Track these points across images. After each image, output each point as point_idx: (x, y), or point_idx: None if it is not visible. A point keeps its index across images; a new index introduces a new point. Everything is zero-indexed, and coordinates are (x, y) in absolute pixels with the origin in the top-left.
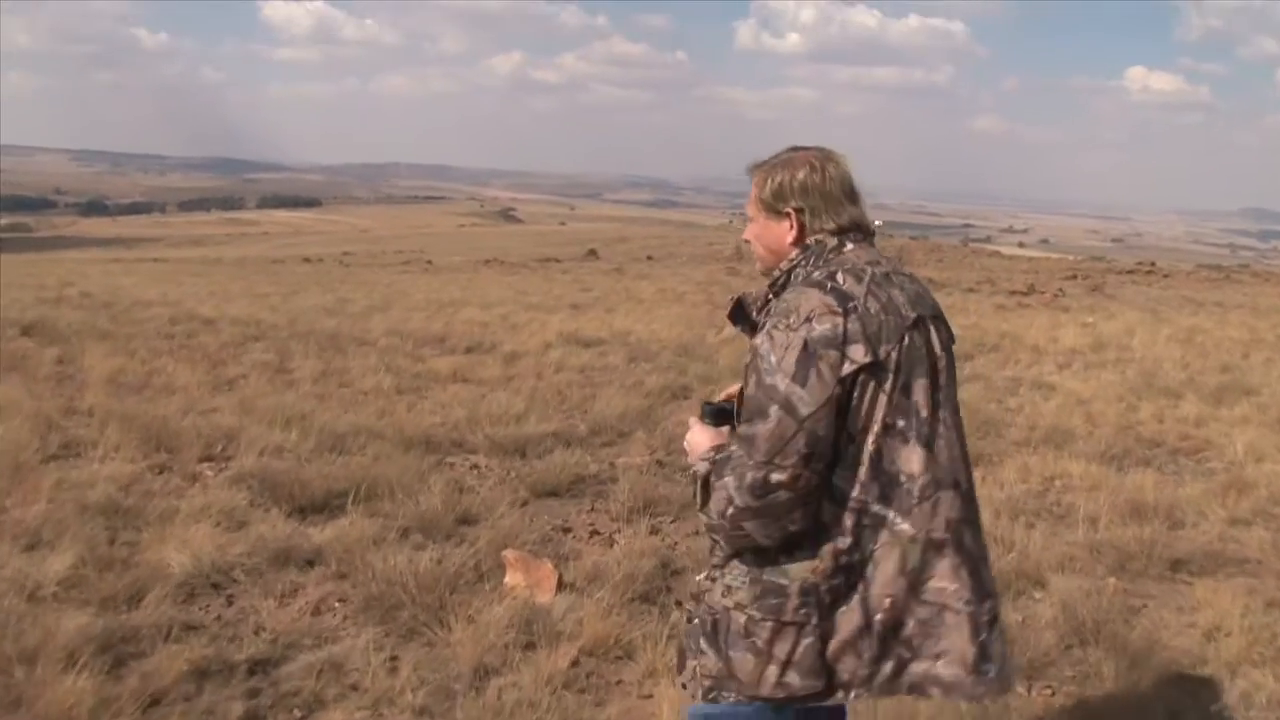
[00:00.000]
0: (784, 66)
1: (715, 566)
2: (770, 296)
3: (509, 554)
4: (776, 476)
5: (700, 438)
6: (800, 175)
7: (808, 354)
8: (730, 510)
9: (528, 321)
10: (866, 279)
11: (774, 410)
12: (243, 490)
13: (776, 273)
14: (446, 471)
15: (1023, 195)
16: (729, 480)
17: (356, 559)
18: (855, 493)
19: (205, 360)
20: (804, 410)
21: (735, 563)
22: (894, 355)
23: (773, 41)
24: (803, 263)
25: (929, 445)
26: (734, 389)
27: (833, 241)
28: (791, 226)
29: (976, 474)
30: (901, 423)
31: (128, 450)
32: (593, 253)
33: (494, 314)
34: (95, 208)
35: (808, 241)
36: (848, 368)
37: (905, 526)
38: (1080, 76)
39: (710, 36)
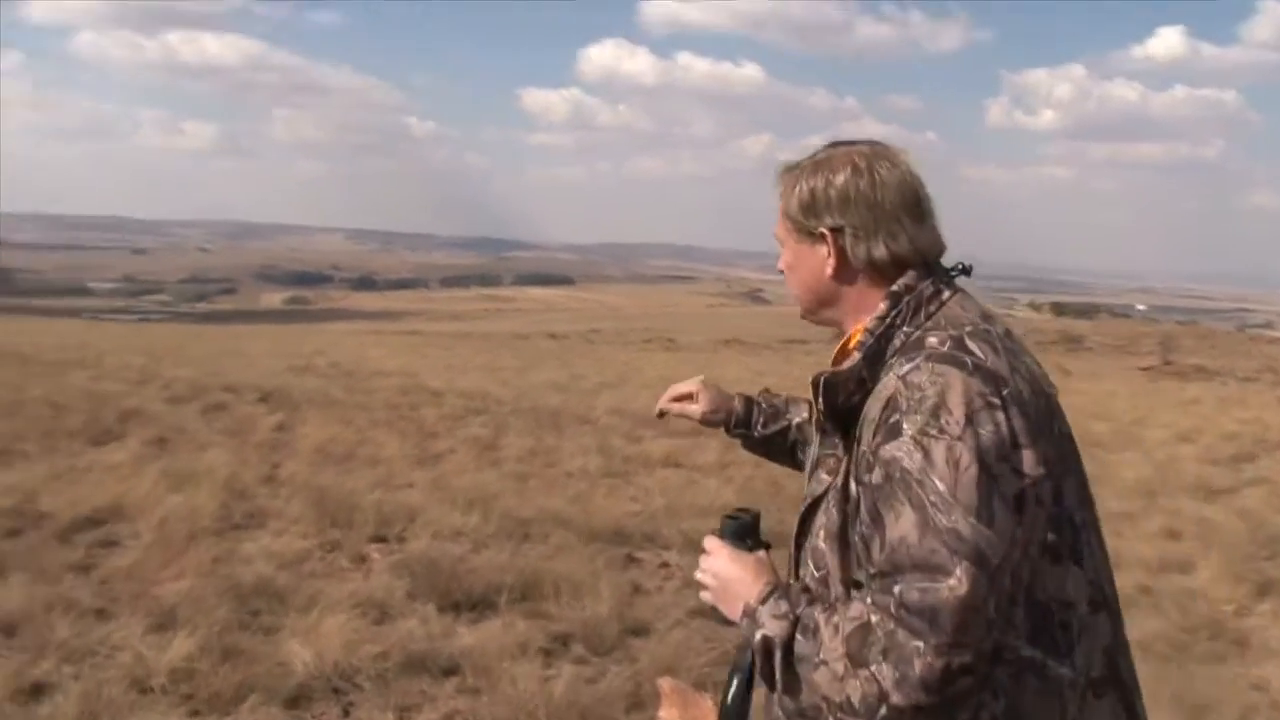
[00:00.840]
0: (1038, 144)
1: None
2: (864, 374)
3: (665, 683)
4: (962, 660)
5: (731, 569)
6: (839, 180)
7: (987, 475)
8: (884, 711)
9: None
10: (999, 345)
11: (961, 568)
12: (403, 578)
13: (865, 337)
14: (630, 569)
15: None
16: (884, 670)
17: (496, 671)
18: (1004, 636)
19: (418, 433)
20: (995, 561)
21: None
22: (1051, 453)
23: (1025, 119)
24: (898, 320)
25: (1079, 560)
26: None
27: (927, 288)
28: (829, 253)
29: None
30: (1053, 537)
31: (305, 525)
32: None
33: None
34: (366, 283)
35: (894, 288)
36: (1023, 485)
37: (1063, 670)
38: None
39: (960, 116)
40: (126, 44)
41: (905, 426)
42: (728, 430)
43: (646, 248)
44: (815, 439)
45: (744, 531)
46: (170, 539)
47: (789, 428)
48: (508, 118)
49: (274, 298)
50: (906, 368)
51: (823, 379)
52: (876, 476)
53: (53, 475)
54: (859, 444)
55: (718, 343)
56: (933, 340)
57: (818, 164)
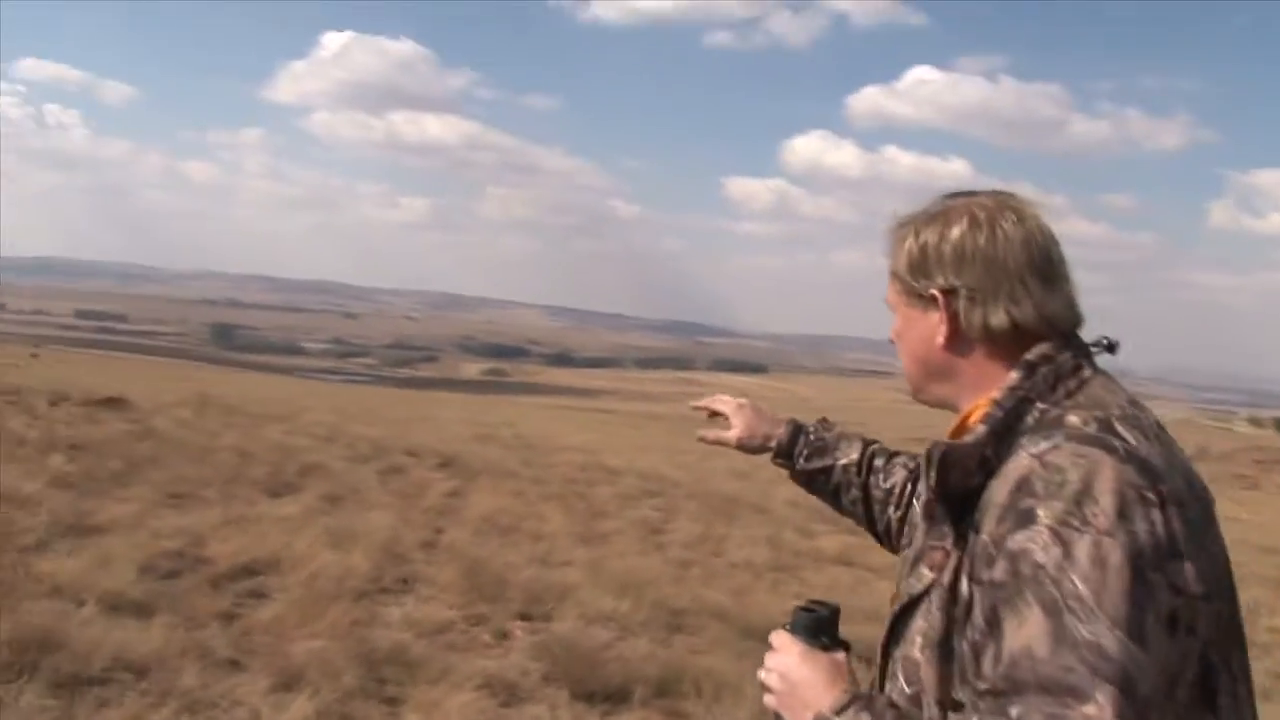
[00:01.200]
0: (1264, 248)
1: None
2: (988, 451)
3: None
4: None
5: (801, 670)
6: (954, 234)
7: (1141, 583)
8: None
9: None
10: (1151, 434)
11: (1103, 693)
12: (541, 659)
13: (993, 409)
14: None
15: None
16: None
17: None
18: None
19: (587, 511)
20: (1144, 690)
21: None
22: (1208, 572)
23: (1252, 221)
24: (1032, 393)
25: (1221, 713)
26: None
27: (1067, 361)
28: (941, 319)
29: None
30: (1198, 677)
31: (453, 594)
32: None
33: None
34: (562, 359)
35: (1029, 357)
36: (1177, 604)
37: None
38: None
39: (1179, 217)
40: (356, 123)
41: (1040, 513)
42: (773, 458)
43: (842, 340)
44: (919, 526)
45: (820, 627)
46: (316, 596)
47: (832, 468)
48: (712, 205)
49: (473, 368)
50: (1043, 446)
51: (941, 453)
52: (999, 572)
53: (225, 522)
54: (977, 534)
55: (907, 439)
56: (1074, 419)
57: (932, 217)
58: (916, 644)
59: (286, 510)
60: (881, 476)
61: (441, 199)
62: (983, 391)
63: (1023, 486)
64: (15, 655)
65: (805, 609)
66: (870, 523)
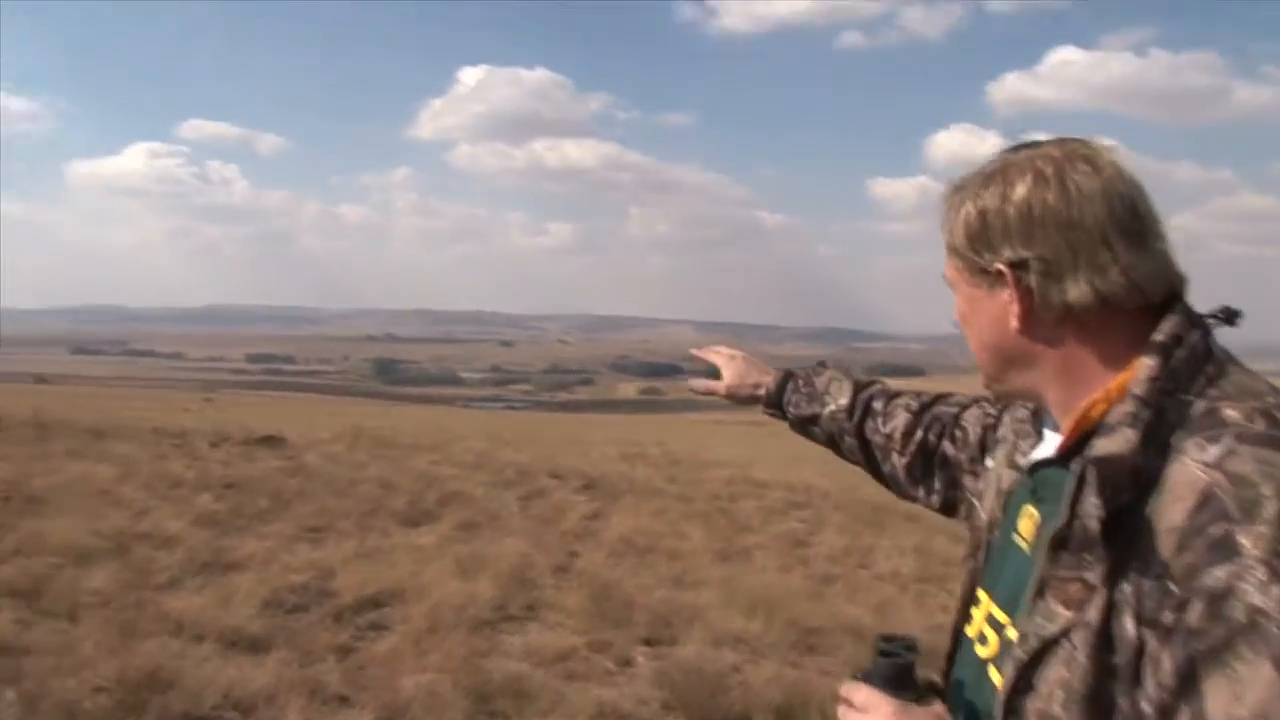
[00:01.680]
0: None
1: None
2: (1136, 462)
3: None
4: None
5: None
6: (1018, 194)
7: None
8: None
9: None
10: None
11: None
12: (662, 687)
13: (1134, 407)
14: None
15: None
16: None
17: None
18: None
19: (729, 526)
20: None
21: None
22: None
23: None
24: (1171, 384)
25: None
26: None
27: (1198, 341)
28: (1012, 298)
29: None
30: None
31: (579, 620)
32: None
33: None
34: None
35: (1159, 338)
36: None
37: None
38: None
39: None
40: (497, 154)
41: (1243, 542)
42: (763, 407)
43: None
44: (1041, 557)
45: (905, 674)
46: (435, 627)
47: (819, 416)
48: (855, 208)
49: (629, 388)
50: (1215, 452)
51: (1102, 471)
52: (1194, 617)
53: (357, 554)
54: (1142, 563)
55: None
56: (1233, 414)
57: (988, 177)
58: (1056, 698)
59: (421, 540)
60: (881, 420)
61: (585, 222)
62: (1073, 378)
63: (1206, 506)
64: (126, 694)
65: (884, 652)
66: (874, 469)
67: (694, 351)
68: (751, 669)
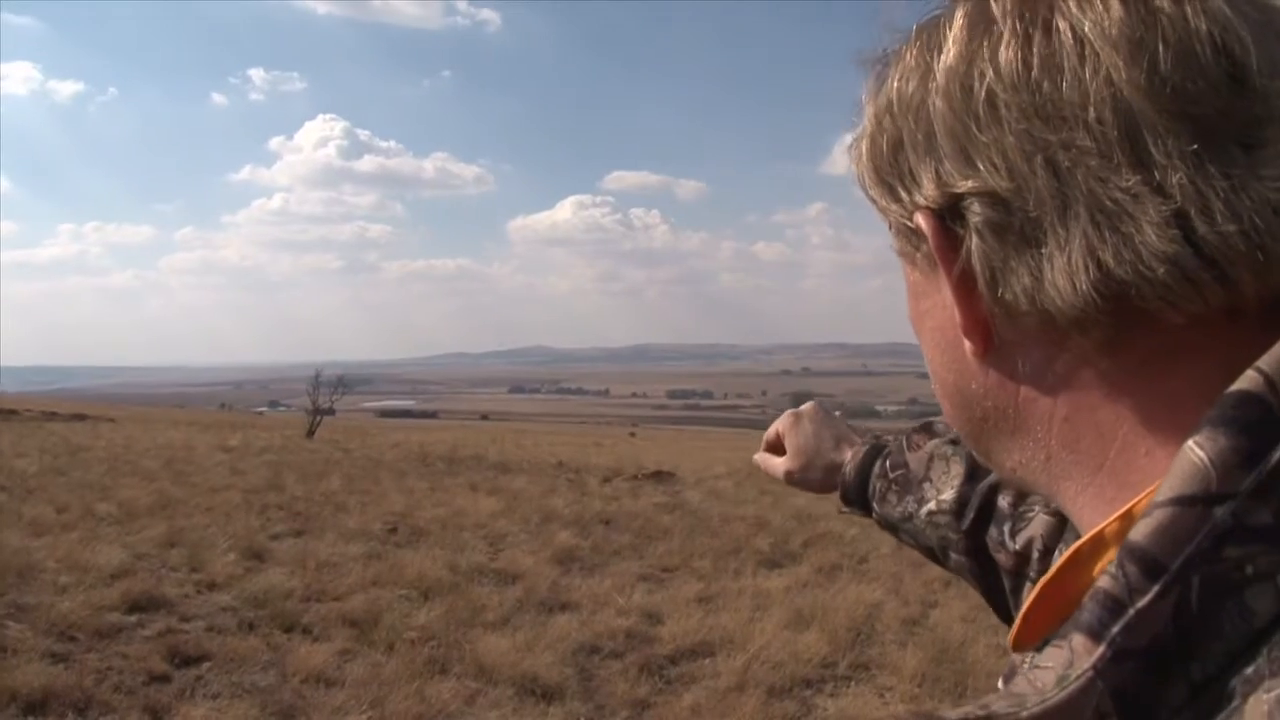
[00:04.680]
0: None
1: None
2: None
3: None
4: None
5: None
6: (951, 58)
7: None
8: None
9: None
10: None
11: None
12: None
13: (1129, 583)
14: None
15: None
16: None
17: None
18: None
19: None
20: None
21: None
22: None
23: None
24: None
25: None
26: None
27: None
28: (945, 282)
29: None
30: None
31: (911, 685)
32: None
33: None
34: None
35: (1248, 388)
36: None
37: None
38: None
39: None
40: None
41: None
42: (841, 505)
43: None
44: None
45: None
46: (745, 684)
47: (913, 517)
48: None
49: None
50: None
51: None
52: None
53: (698, 598)
54: None
55: None
56: None
57: (916, 33)
58: None
59: (772, 583)
60: (1008, 528)
61: None
62: (1086, 464)
63: None
64: None
65: None
66: (991, 596)
67: (757, 460)
68: None
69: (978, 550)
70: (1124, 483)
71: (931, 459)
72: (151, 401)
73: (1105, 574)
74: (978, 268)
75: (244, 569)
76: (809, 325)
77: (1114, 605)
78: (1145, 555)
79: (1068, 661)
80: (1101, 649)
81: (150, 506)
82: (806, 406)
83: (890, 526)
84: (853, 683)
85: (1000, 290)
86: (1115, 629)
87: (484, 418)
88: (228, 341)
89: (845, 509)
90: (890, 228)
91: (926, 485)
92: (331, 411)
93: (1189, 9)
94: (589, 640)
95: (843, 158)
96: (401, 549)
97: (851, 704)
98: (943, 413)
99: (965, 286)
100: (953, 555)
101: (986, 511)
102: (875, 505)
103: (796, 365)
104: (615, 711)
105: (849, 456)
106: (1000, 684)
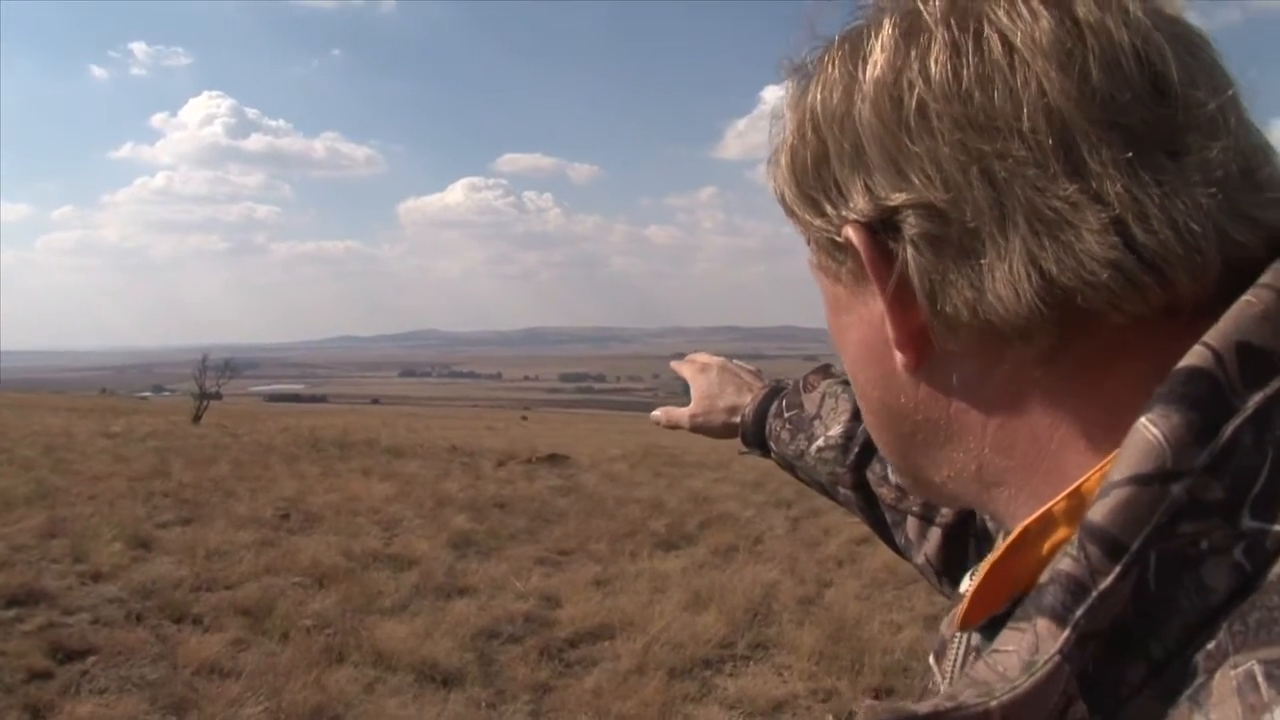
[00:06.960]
0: None
1: None
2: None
3: None
4: None
5: None
6: (879, 68)
7: None
8: None
9: None
10: None
11: None
12: None
13: (1089, 563)
14: None
15: None
16: None
17: None
18: None
19: None
20: None
21: None
22: None
23: None
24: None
25: None
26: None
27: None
28: (876, 297)
29: None
30: None
31: (810, 664)
32: None
33: None
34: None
35: (1196, 363)
36: None
37: None
38: None
39: None
40: None
41: None
42: (741, 446)
43: None
44: None
45: None
46: (645, 665)
47: (804, 457)
48: None
49: None
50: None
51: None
52: None
53: (596, 581)
54: None
55: None
56: None
57: (840, 41)
58: None
59: (669, 565)
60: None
61: None
62: (1021, 469)
63: None
64: None
65: None
66: (883, 534)
67: (672, 364)
68: None
69: (863, 484)
70: (1061, 484)
71: (824, 397)
72: (28, 387)
73: (1065, 555)
74: (915, 281)
75: (130, 559)
76: (702, 309)
77: (1077, 588)
78: (1105, 535)
79: (1033, 647)
80: (1066, 633)
81: (28, 496)
82: (713, 358)
83: (787, 465)
84: (751, 662)
85: (940, 303)
86: (1079, 612)
87: (375, 402)
88: (109, 324)
89: (745, 450)
90: (809, 242)
91: (817, 423)
92: (218, 396)
93: (1111, 21)
94: (488, 625)
95: (735, 142)
96: (294, 535)
97: (751, 683)
98: (867, 429)
99: (901, 300)
100: (840, 490)
101: (871, 447)
102: (772, 445)
103: (689, 348)
104: (516, 696)
105: (748, 400)
106: (931, 660)
